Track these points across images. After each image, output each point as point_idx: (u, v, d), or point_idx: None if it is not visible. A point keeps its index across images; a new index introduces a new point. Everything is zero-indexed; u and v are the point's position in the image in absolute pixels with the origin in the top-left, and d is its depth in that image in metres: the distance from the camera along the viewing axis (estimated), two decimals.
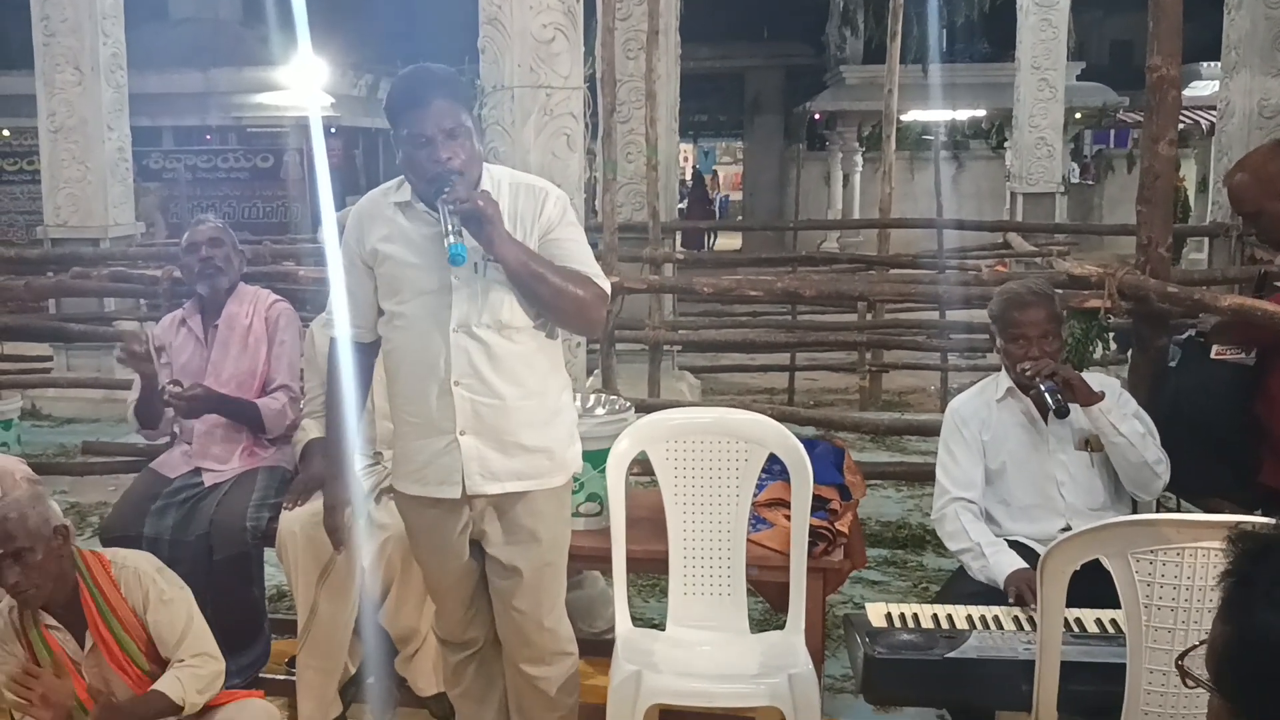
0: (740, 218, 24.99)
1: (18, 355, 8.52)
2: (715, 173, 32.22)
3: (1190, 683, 1.55)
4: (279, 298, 4.04)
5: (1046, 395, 3.21)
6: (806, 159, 20.01)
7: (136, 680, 3.01)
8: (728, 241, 23.63)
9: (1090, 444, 3.31)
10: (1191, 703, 2.55)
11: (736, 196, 28.94)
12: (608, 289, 2.87)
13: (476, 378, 2.81)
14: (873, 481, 5.26)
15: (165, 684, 2.98)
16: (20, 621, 3.02)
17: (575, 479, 3.12)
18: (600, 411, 3.68)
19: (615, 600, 3.31)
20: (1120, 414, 3.27)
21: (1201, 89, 16.97)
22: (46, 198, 8.86)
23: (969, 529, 3.27)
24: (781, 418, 3.52)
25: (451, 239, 2.67)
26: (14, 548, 2.88)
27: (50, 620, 3.01)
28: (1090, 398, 3.25)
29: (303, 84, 16.44)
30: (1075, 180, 20.14)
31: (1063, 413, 3.21)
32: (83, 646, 3.01)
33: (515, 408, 2.83)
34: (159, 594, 3.06)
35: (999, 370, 3.48)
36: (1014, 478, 3.35)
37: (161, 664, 3.05)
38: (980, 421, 3.40)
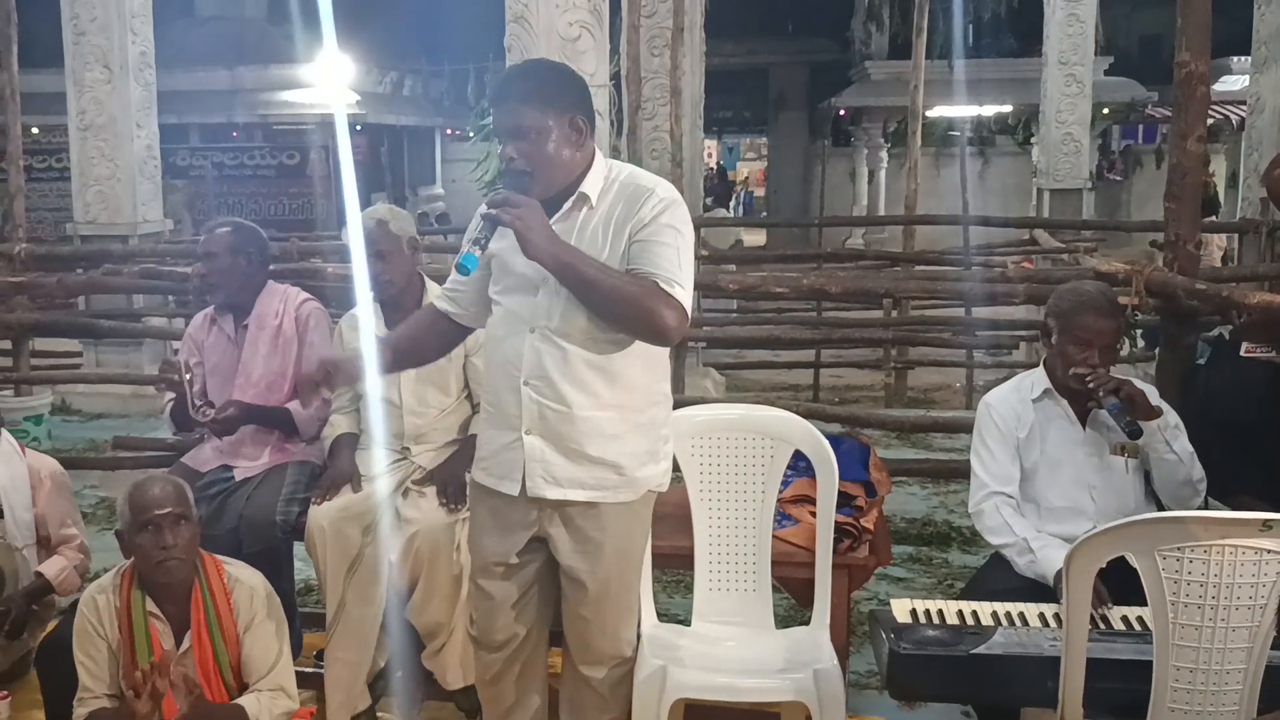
0: (765, 214, 24.95)
1: (48, 351, 8.59)
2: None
3: None
4: (309, 296, 4.03)
5: (1114, 415, 3.14)
6: (831, 155, 19.99)
7: (216, 693, 3.05)
8: (750, 238, 23.60)
9: (1126, 449, 3.27)
10: (1218, 700, 2.55)
11: (760, 192, 28.86)
12: (681, 295, 2.69)
13: (545, 380, 2.77)
14: (898, 478, 5.24)
15: (248, 701, 3.03)
16: (127, 601, 3.05)
17: None
18: None
19: (641, 596, 3.32)
20: (1174, 431, 3.24)
21: (1232, 84, 16.78)
22: (76, 195, 8.93)
23: (1012, 523, 3.24)
24: (807, 414, 3.52)
25: (466, 247, 2.67)
26: (181, 510, 3.01)
27: (155, 609, 3.05)
28: (1150, 413, 3.20)
29: (328, 81, 16.51)
30: (1106, 175, 19.99)
31: (1136, 434, 3.15)
32: (179, 645, 3.04)
33: (583, 416, 2.77)
34: (264, 619, 3.11)
35: (1031, 367, 3.46)
36: (1046, 479, 3.32)
37: (241, 687, 3.09)
38: (1016, 418, 3.36)
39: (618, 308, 2.69)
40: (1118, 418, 3.15)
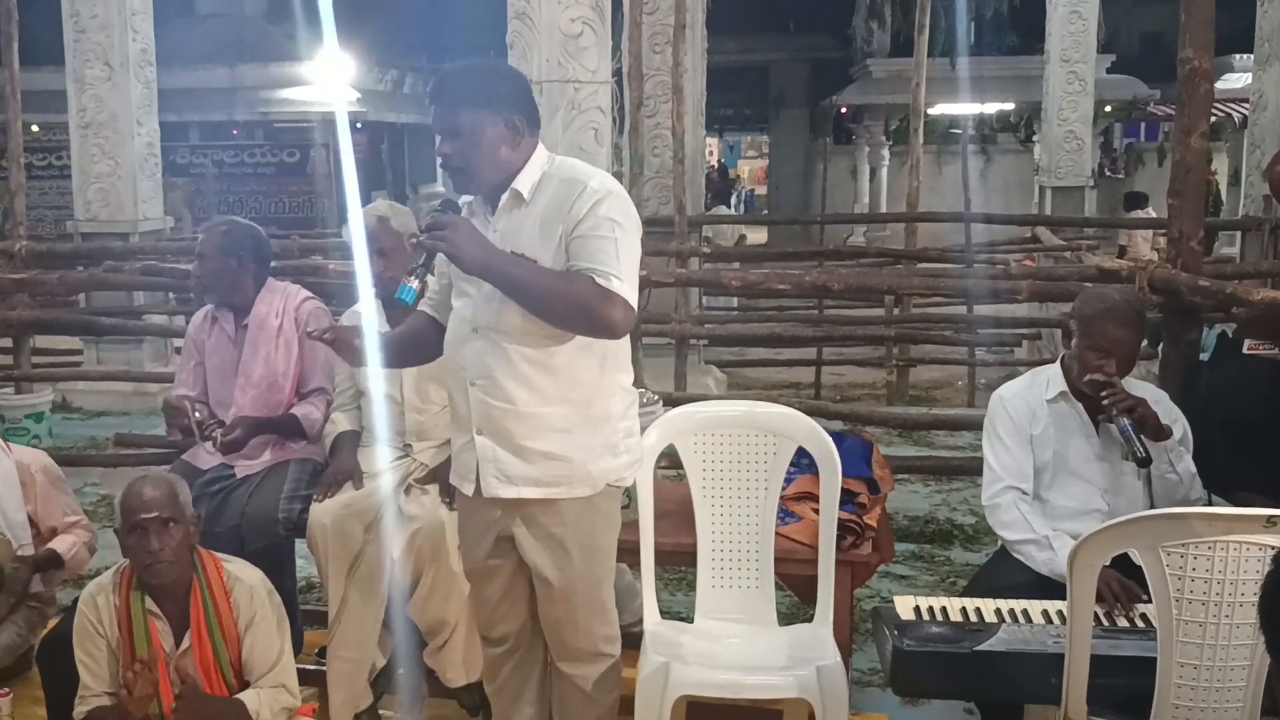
0: (765, 211, 24.95)
1: (48, 349, 8.60)
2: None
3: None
4: (309, 295, 4.00)
5: (1124, 436, 3.12)
6: (833, 153, 19.96)
7: (217, 691, 3.05)
8: (751, 235, 23.59)
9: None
10: (1222, 697, 2.55)
11: (761, 190, 28.86)
12: (619, 287, 2.65)
13: (490, 379, 2.79)
14: (901, 476, 5.25)
15: (248, 696, 3.03)
16: (126, 600, 3.05)
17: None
18: None
19: (643, 593, 3.32)
20: (1179, 451, 3.23)
21: (1234, 81, 16.79)
22: (77, 193, 8.95)
23: (1030, 519, 3.23)
24: (809, 412, 3.51)
25: (404, 277, 2.73)
26: (170, 513, 2.98)
27: (154, 608, 3.05)
28: (1160, 434, 3.18)
29: (329, 79, 16.51)
30: (1108, 173, 20.02)
31: (1145, 464, 3.14)
32: (178, 644, 3.05)
33: (530, 413, 2.78)
34: (265, 617, 3.10)
35: (1033, 364, 3.44)
36: (1056, 479, 3.31)
37: (243, 685, 3.09)
38: (1030, 414, 3.34)
39: (555, 308, 2.69)
40: (1128, 440, 3.13)
